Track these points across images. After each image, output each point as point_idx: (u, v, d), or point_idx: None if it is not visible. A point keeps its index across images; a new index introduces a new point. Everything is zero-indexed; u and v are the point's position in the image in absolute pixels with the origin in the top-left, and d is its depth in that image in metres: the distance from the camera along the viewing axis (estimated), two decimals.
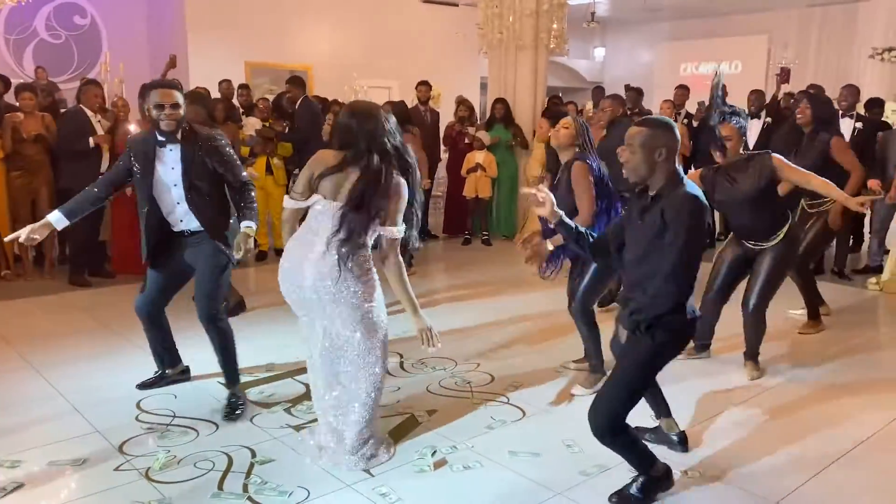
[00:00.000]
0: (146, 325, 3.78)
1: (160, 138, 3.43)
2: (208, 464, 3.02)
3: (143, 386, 3.84)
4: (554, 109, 7.95)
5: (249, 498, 2.76)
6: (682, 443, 3.16)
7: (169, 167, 3.46)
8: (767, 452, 3.17)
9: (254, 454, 3.10)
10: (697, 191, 2.61)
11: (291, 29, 10.84)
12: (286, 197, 3.03)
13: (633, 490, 2.75)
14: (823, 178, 3.88)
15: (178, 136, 3.44)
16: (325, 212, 2.87)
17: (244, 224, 3.50)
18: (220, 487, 2.84)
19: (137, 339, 4.61)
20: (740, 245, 4.05)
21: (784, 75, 10.11)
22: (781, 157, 3.84)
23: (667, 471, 2.80)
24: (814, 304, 4.96)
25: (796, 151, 4.76)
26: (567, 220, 2.81)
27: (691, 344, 4.35)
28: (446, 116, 8.78)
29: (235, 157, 3.63)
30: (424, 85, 8.36)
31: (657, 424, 3.21)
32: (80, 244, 6.19)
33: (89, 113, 6.07)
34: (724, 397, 3.79)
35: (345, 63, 10.70)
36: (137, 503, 2.72)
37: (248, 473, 2.94)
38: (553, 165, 3.99)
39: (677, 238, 2.53)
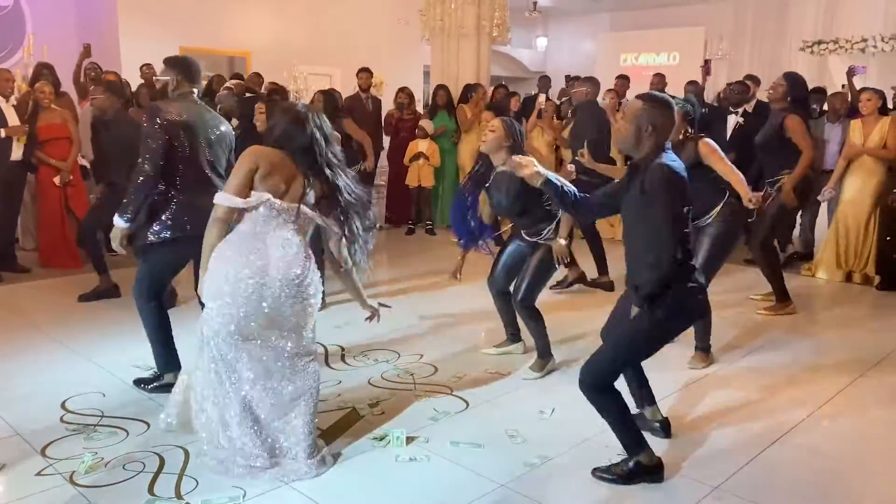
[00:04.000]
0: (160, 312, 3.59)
1: None
2: (138, 465, 2.88)
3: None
4: (501, 102, 7.91)
5: None
6: (665, 429, 3.18)
7: None
8: (706, 437, 3.21)
9: (187, 454, 2.98)
10: (675, 162, 2.69)
11: (229, 13, 10.51)
12: (221, 194, 2.80)
13: (620, 469, 2.78)
14: (739, 176, 3.93)
15: None
16: (281, 211, 2.78)
17: None
18: (151, 490, 2.71)
19: (61, 336, 4.41)
20: None
21: (706, 67, 10.39)
22: (711, 144, 3.90)
23: (658, 463, 2.81)
24: (781, 283, 5.10)
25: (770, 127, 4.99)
26: (552, 178, 2.82)
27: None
28: (388, 104, 8.66)
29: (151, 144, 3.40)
30: (365, 72, 8.22)
31: (639, 412, 3.20)
32: None
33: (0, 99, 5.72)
34: (666, 382, 3.81)
35: (285, 49, 10.42)
36: None
37: (181, 475, 2.82)
38: (485, 166, 3.93)
39: (657, 208, 2.62)
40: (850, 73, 7.48)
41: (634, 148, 2.75)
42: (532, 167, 2.79)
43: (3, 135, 5.62)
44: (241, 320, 2.75)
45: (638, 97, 2.80)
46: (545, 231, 3.81)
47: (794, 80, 5.13)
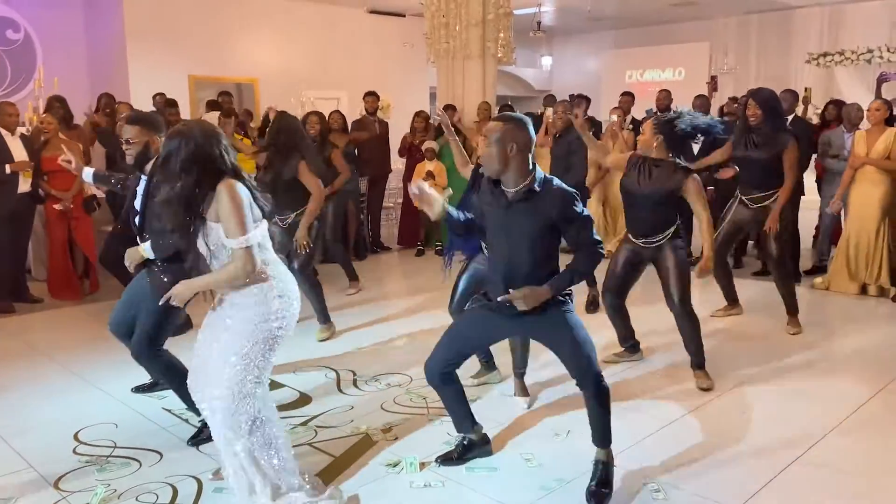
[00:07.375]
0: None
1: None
2: (151, 496, 2.87)
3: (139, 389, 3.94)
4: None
5: None
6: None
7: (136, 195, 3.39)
8: (723, 458, 3.17)
9: (200, 484, 2.96)
10: (562, 183, 2.83)
11: (236, 41, 10.64)
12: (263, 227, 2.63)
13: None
14: (710, 224, 3.91)
15: (144, 168, 3.33)
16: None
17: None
18: None
19: (74, 367, 4.41)
20: (632, 244, 4.08)
21: (713, 83, 10.41)
22: (698, 183, 3.85)
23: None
24: (794, 301, 5.03)
25: (752, 145, 4.84)
26: (452, 211, 2.89)
27: (622, 348, 4.43)
28: (395, 127, 8.70)
29: None
30: (371, 96, 8.26)
31: None
32: (8, 270, 5.89)
33: (5, 134, 5.76)
34: (676, 405, 3.78)
35: (291, 75, 10.55)
36: None
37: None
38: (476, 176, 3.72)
39: (577, 226, 2.76)
40: (881, 80, 7.41)
41: (502, 170, 2.75)
42: (433, 203, 2.76)
43: (8, 171, 5.65)
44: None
45: (496, 118, 2.84)
46: None
47: (760, 96, 4.78)
